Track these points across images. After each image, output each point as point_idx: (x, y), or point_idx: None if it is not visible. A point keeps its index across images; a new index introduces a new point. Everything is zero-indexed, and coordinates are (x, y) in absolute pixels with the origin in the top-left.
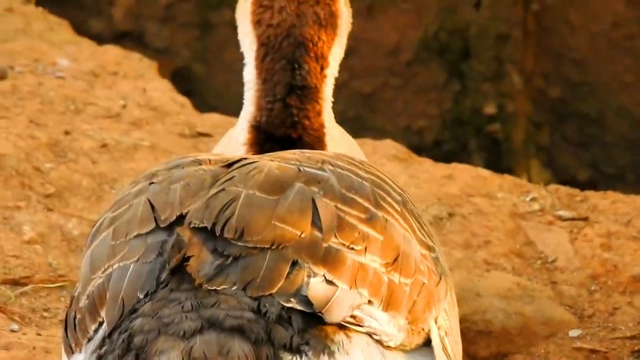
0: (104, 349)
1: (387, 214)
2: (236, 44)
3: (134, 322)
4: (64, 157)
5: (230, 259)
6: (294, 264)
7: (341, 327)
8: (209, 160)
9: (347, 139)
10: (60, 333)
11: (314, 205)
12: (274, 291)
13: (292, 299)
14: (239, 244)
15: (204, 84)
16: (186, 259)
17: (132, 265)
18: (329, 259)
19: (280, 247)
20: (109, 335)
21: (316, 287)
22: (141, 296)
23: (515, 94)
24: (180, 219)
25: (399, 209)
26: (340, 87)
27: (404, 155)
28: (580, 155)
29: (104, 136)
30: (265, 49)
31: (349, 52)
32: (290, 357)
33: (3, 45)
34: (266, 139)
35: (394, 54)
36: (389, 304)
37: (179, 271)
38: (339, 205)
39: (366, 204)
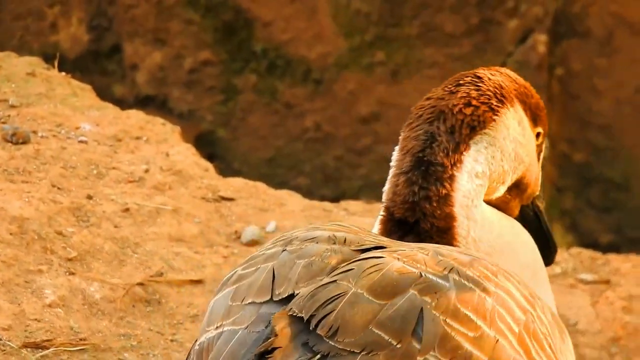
0: None
1: (501, 335)
2: (260, 109)
3: None
4: (87, 221)
5: (318, 356)
6: None
7: None
8: (345, 239)
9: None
10: None
11: (421, 315)
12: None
13: None
14: (330, 342)
15: (228, 149)
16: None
17: (240, 332)
18: None
19: (371, 354)
20: None
21: None
22: None
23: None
24: (292, 297)
25: (516, 330)
26: (364, 152)
27: None
28: (603, 219)
29: (127, 200)
30: (411, 118)
31: (374, 118)
32: None
33: (26, 109)
34: (395, 222)
35: None
36: None
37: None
38: (449, 320)
39: (480, 322)
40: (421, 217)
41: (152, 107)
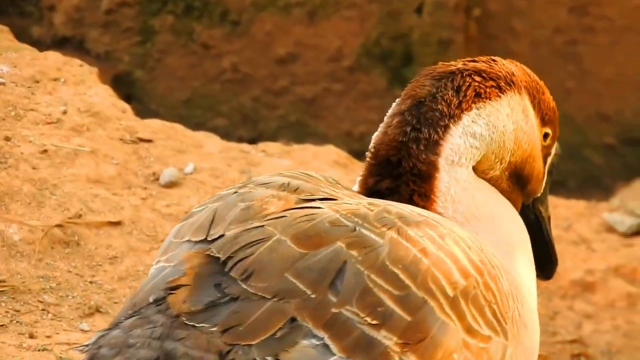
0: (97, 342)
1: (430, 297)
2: (177, 50)
3: (114, 330)
4: (4, 163)
5: (227, 298)
6: (292, 320)
7: None
8: (297, 188)
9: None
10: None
11: (343, 268)
12: (254, 342)
13: (268, 358)
14: (243, 286)
15: (145, 90)
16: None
17: (167, 269)
18: (334, 325)
19: (282, 301)
20: (108, 329)
21: (304, 350)
22: (151, 300)
23: None
24: (222, 237)
25: (451, 295)
26: (282, 93)
27: (344, 161)
28: None
29: (45, 142)
30: (419, 74)
31: (291, 59)
32: None
33: None
34: (378, 164)
35: (336, 60)
36: None
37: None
38: (373, 276)
39: (408, 282)
40: (405, 157)
41: (69, 48)
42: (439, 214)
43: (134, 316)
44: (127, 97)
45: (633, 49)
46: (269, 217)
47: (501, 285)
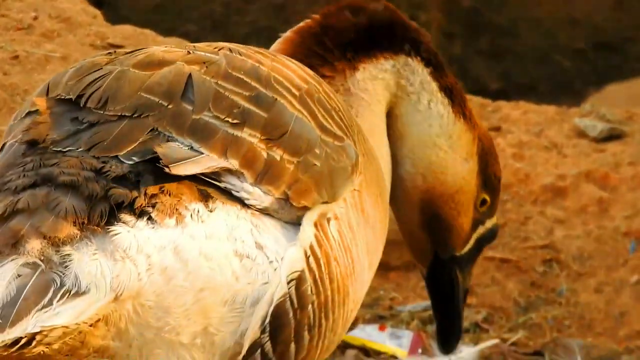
0: None
1: (279, 96)
2: None
3: None
4: None
5: (86, 124)
6: (153, 131)
7: (204, 197)
8: (126, 52)
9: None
10: None
11: (190, 80)
12: (120, 153)
13: (135, 157)
14: (100, 112)
15: None
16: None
17: (15, 144)
18: (197, 130)
19: (141, 116)
20: None
21: (175, 147)
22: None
23: (427, 4)
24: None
25: (296, 94)
26: None
27: None
28: (492, 66)
29: (16, 47)
30: None
31: None
32: (130, 217)
33: None
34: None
35: None
36: (264, 179)
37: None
38: (221, 82)
39: (254, 84)
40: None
41: None
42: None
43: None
44: (98, 3)
45: None
46: (104, 64)
47: (345, 107)
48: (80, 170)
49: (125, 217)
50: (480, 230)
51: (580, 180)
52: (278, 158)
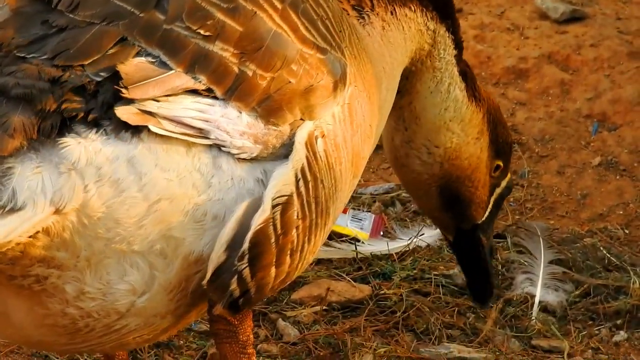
0: None
1: (259, 9)
2: None
3: None
4: None
5: (55, 29)
6: (122, 40)
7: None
8: None
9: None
10: None
11: None
12: (85, 63)
13: (102, 73)
14: (70, 16)
15: None
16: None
17: None
18: (167, 41)
19: (111, 24)
20: None
21: (140, 65)
22: None
23: None
24: None
25: (279, 7)
26: None
27: None
28: None
29: None
30: None
31: None
32: (84, 129)
33: None
34: None
35: None
36: (234, 94)
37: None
38: None
39: None
40: None
41: None
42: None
43: None
44: None
45: None
46: None
47: (336, 12)
48: (36, 80)
49: (79, 128)
50: (497, 191)
51: (542, 62)
52: (250, 73)
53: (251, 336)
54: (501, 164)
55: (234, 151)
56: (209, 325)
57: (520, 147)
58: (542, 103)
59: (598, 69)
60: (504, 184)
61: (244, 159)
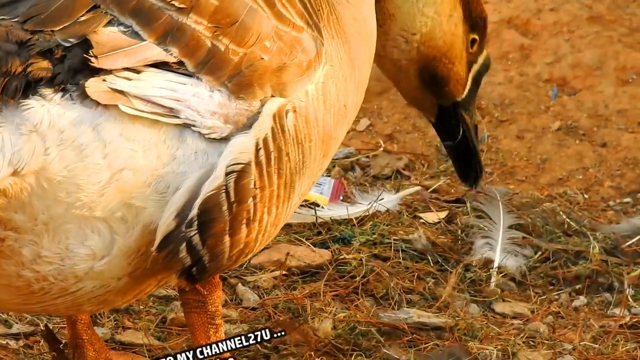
0: None
1: None
2: None
3: None
4: None
5: None
6: (95, 8)
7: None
8: None
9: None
10: None
11: None
12: (56, 28)
13: (72, 39)
14: None
15: None
16: None
17: None
18: (141, 11)
19: None
20: None
21: (112, 35)
22: None
23: None
24: None
25: None
26: None
27: None
28: None
29: None
30: None
31: None
32: (49, 92)
33: None
34: None
35: None
36: (204, 68)
37: None
38: None
39: None
40: None
41: None
42: None
43: None
44: None
45: None
46: None
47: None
48: (3, 42)
49: (44, 92)
50: (475, 68)
51: (502, 26)
52: (223, 48)
53: (220, 307)
54: (477, 37)
55: (205, 131)
56: (168, 290)
57: (479, 111)
58: (501, 67)
59: (558, 33)
60: (481, 60)
61: (214, 138)
